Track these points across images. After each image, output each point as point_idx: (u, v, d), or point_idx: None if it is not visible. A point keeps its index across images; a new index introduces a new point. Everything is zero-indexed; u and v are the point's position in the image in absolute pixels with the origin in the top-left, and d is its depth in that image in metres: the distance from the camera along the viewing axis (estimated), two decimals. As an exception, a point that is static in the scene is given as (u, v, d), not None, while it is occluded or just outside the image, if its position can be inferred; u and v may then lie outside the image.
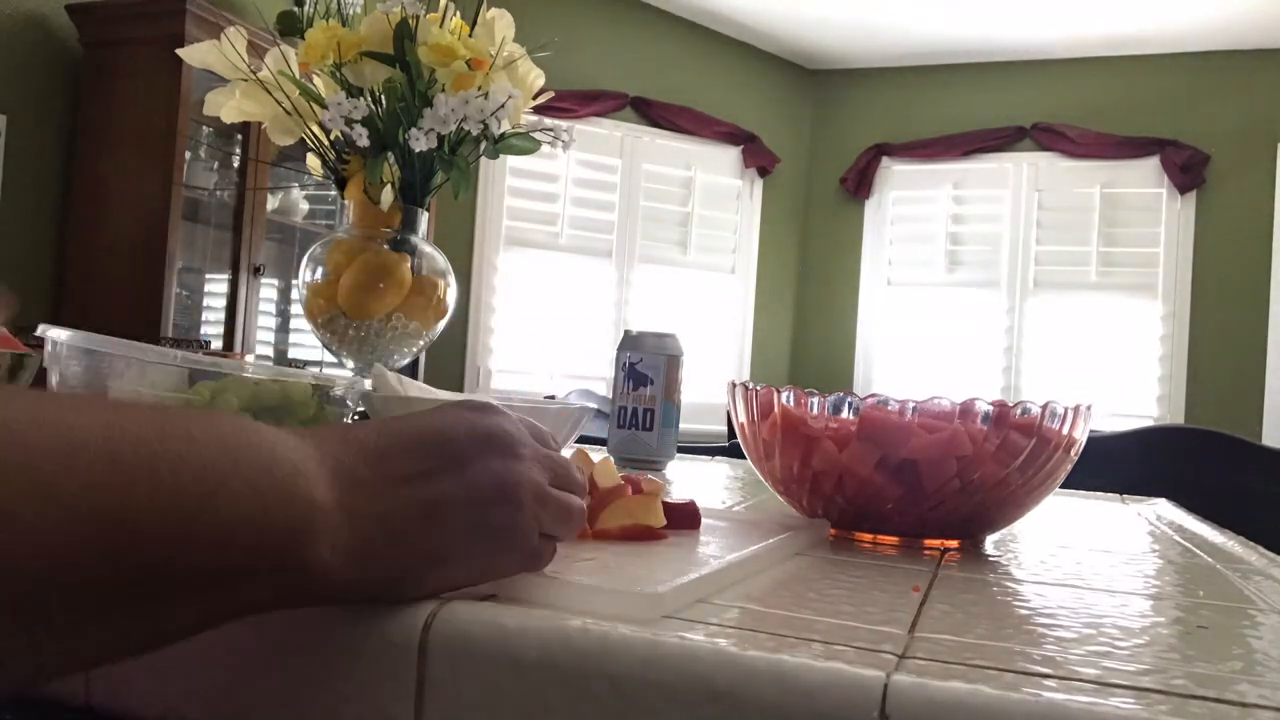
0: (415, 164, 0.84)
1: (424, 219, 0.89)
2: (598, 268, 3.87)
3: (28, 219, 2.58)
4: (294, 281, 3.04)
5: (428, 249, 0.90)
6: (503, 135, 0.87)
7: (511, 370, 3.73)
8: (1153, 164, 3.88)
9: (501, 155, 0.88)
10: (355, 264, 0.83)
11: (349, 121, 0.78)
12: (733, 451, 1.90)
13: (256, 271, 2.67)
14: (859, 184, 4.27)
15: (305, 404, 0.74)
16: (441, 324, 0.91)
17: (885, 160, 4.27)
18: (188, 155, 2.52)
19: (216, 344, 2.70)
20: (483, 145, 0.85)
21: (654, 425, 0.87)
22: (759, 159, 4.18)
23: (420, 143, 0.78)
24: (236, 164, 2.73)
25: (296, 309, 3.04)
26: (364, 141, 0.79)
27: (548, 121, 0.88)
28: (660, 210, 3.98)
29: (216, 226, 2.70)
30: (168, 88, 2.45)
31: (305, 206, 2.92)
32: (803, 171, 4.40)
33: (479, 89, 0.82)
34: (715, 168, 4.10)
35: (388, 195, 0.84)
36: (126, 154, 2.53)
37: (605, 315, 3.88)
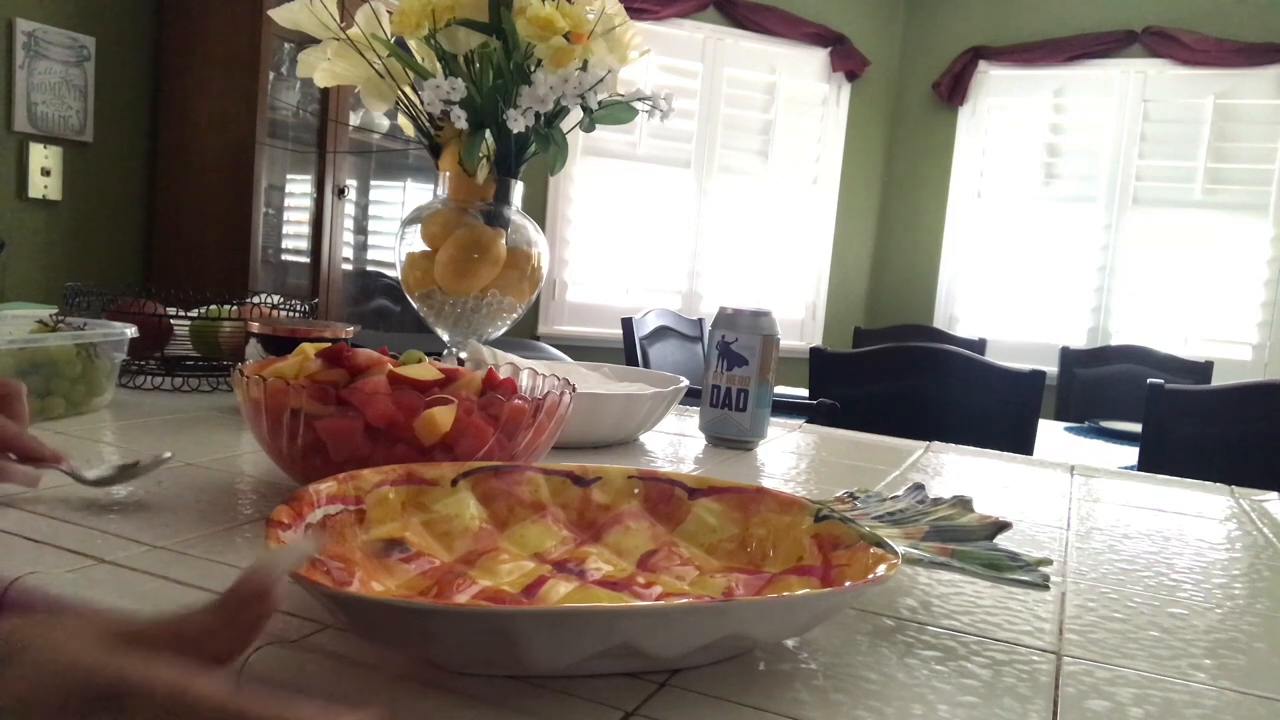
0: (511, 138, 0.83)
1: (518, 190, 0.88)
2: (676, 178, 3.80)
3: (119, 140, 2.64)
4: (372, 198, 3.07)
5: (520, 219, 0.89)
6: (600, 104, 0.85)
7: (587, 283, 3.73)
8: (1273, 73, 3.59)
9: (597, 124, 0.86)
10: (450, 241, 0.84)
11: (447, 103, 0.77)
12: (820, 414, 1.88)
13: (340, 193, 2.69)
14: (953, 90, 4.06)
15: (70, 363, 0.76)
16: (535, 294, 0.91)
17: (982, 64, 4.03)
18: (270, 76, 2.52)
19: (303, 259, 2.76)
20: (580, 119, 0.83)
21: (747, 406, 0.86)
22: (847, 62, 3.99)
23: (518, 123, 0.77)
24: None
25: (375, 224, 3.08)
26: (462, 124, 0.78)
27: (646, 90, 0.85)
28: (741, 117, 3.86)
29: (300, 143, 2.72)
30: (250, 4, 2.44)
31: (386, 122, 2.91)
32: (893, 76, 4.20)
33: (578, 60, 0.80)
34: (800, 71, 3.94)
35: (483, 169, 0.84)
36: (211, 73, 2.55)
37: (683, 227, 3.83)
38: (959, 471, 0.90)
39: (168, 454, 0.57)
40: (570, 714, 0.34)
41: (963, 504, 0.55)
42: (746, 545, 0.49)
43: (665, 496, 0.52)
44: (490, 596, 0.42)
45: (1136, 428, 1.99)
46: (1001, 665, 0.42)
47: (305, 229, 2.75)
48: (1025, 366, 1.95)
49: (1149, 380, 1.81)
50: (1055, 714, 0.38)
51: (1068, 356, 3.35)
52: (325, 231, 2.72)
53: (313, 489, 0.44)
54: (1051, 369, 3.10)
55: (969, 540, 0.50)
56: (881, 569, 0.40)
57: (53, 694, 0.25)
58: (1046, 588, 0.45)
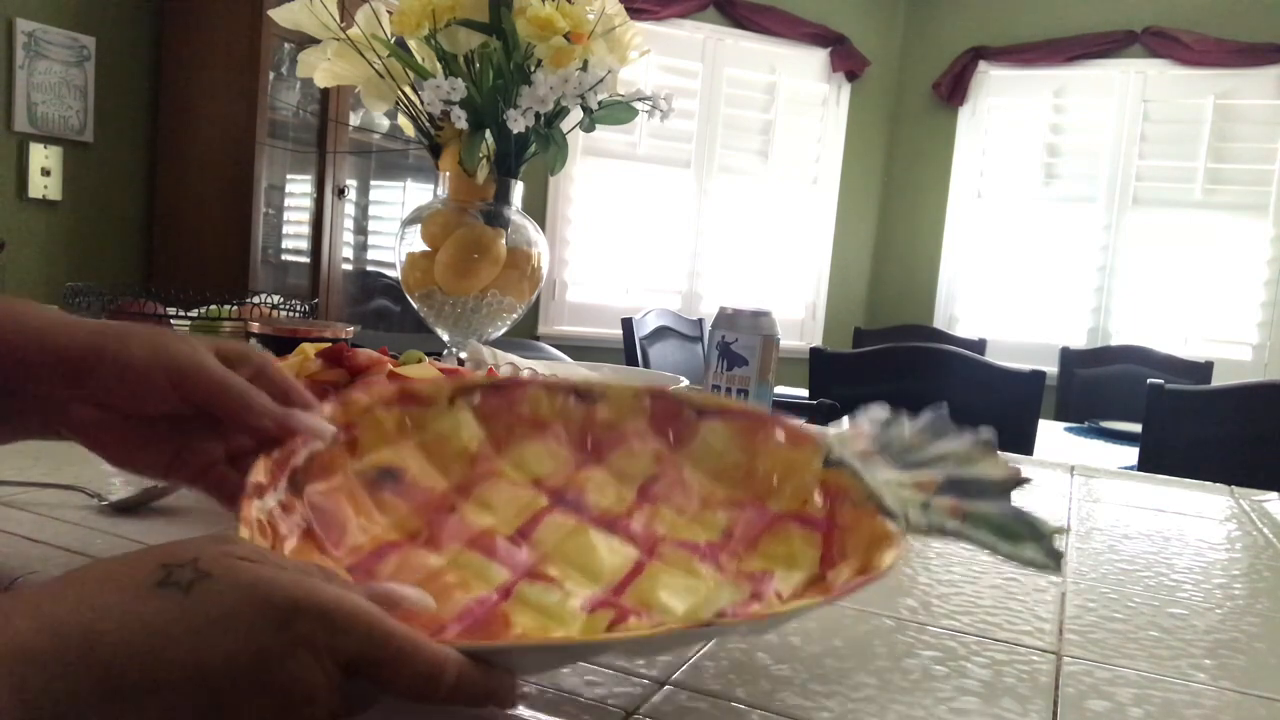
0: (511, 138, 0.83)
1: (518, 190, 0.88)
2: (676, 178, 3.80)
3: (119, 140, 2.64)
4: (372, 198, 3.07)
5: (520, 219, 0.89)
6: (600, 104, 0.85)
7: (587, 283, 3.73)
8: (1273, 73, 3.59)
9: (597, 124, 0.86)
10: (450, 241, 0.84)
11: (447, 103, 0.77)
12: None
13: (340, 193, 2.69)
14: (953, 90, 4.06)
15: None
16: (535, 294, 0.91)
17: (982, 64, 4.03)
18: (270, 76, 2.52)
19: (303, 259, 2.76)
20: (580, 119, 0.83)
21: (746, 406, 0.86)
22: (848, 62, 3.99)
23: (518, 123, 0.77)
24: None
25: (375, 224, 3.08)
26: (462, 124, 0.78)
27: (646, 90, 0.85)
28: (741, 118, 3.86)
29: (300, 143, 2.72)
30: (250, 4, 2.43)
31: (386, 122, 2.91)
32: (893, 76, 4.20)
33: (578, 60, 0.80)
34: (800, 71, 3.94)
35: (483, 169, 0.84)
36: (211, 73, 2.55)
37: (683, 227, 3.83)
38: (959, 471, 0.90)
39: None
40: (571, 714, 0.35)
41: (984, 446, 0.51)
42: (752, 474, 0.47)
43: (672, 415, 0.49)
44: (484, 546, 0.41)
45: (1136, 428, 1.99)
46: (1001, 665, 0.42)
47: (305, 229, 2.75)
48: (1025, 366, 1.95)
49: (1149, 380, 1.81)
50: (1055, 714, 0.38)
51: (1068, 356, 3.35)
52: (325, 231, 2.71)
53: None
54: (1051, 369, 3.10)
55: (984, 497, 0.46)
56: (886, 551, 0.38)
57: (244, 610, 0.28)
58: (1057, 569, 0.43)
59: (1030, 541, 0.44)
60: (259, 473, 0.39)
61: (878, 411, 0.55)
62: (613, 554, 0.42)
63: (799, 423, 0.49)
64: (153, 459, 0.44)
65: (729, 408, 0.49)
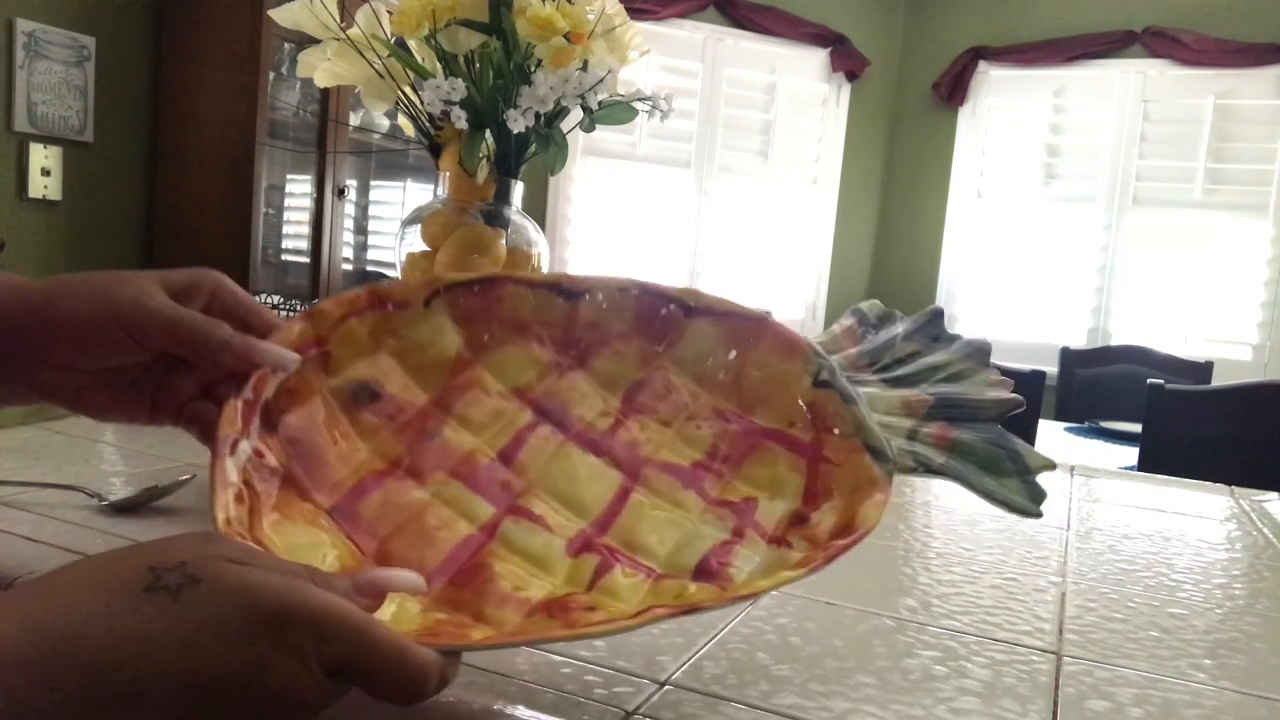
0: (511, 138, 0.83)
1: (518, 190, 0.88)
2: (676, 178, 3.80)
3: (119, 140, 2.64)
4: (372, 198, 3.07)
5: (520, 219, 0.89)
6: (600, 104, 0.85)
7: (588, 282, 3.73)
8: (1273, 73, 3.60)
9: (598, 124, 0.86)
10: (450, 241, 0.84)
11: (447, 103, 0.77)
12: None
13: (340, 193, 2.69)
14: (953, 90, 4.06)
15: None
16: (534, 294, 0.91)
17: (982, 65, 4.03)
18: (270, 76, 2.52)
19: (303, 259, 2.76)
20: (580, 119, 0.83)
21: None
22: (848, 62, 3.99)
23: (518, 124, 0.77)
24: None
25: (375, 224, 3.08)
26: (463, 124, 0.78)
27: (646, 90, 0.85)
28: (741, 118, 3.86)
29: (300, 143, 2.72)
30: (250, 4, 2.43)
31: (386, 122, 2.91)
32: (893, 76, 4.20)
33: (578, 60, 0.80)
34: (800, 71, 3.94)
35: (483, 169, 0.84)
36: (211, 73, 2.55)
37: (683, 227, 3.83)
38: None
39: (187, 476, 0.57)
40: (571, 714, 0.35)
41: (979, 355, 0.48)
42: (740, 382, 0.46)
43: (658, 313, 0.48)
44: (466, 476, 0.40)
45: (1136, 428, 1.99)
46: (1001, 665, 0.42)
47: (305, 229, 2.75)
48: (1025, 366, 1.95)
49: (1149, 380, 1.82)
50: (1055, 714, 0.38)
51: (1068, 356, 3.35)
52: (325, 231, 2.71)
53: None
54: (1051, 369, 3.11)
55: (973, 421, 0.44)
56: (870, 500, 0.37)
57: (233, 618, 0.27)
58: (1038, 512, 0.41)
59: (1015, 478, 0.42)
60: (228, 422, 0.37)
61: (870, 307, 0.53)
62: (597, 479, 0.41)
63: (790, 330, 0.47)
64: (131, 408, 0.42)
65: (716, 307, 0.48)
